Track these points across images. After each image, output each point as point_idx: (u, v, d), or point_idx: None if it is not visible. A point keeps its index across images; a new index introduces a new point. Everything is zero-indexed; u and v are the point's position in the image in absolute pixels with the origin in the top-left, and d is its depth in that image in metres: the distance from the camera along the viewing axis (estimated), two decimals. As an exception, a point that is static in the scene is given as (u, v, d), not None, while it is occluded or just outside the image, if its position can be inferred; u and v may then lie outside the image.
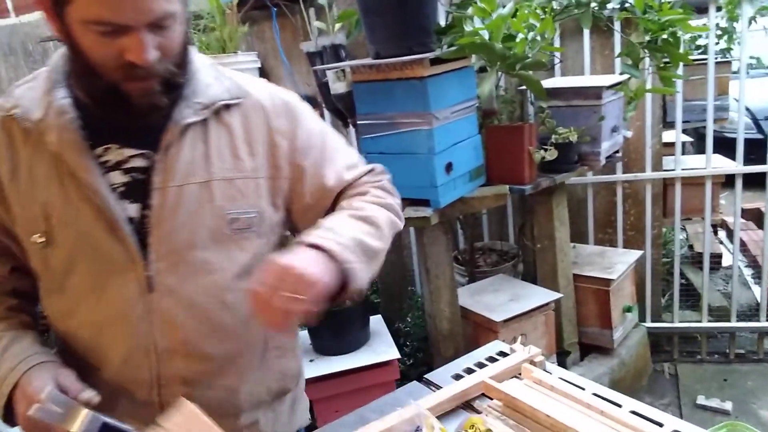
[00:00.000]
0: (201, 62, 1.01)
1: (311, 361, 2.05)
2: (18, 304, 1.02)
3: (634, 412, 0.97)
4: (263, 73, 2.83)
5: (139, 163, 0.94)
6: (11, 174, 0.93)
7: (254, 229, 1.00)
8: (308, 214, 1.06)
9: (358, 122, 1.91)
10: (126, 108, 0.89)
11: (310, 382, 1.85)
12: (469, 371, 1.18)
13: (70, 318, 0.98)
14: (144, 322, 0.95)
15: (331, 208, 1.07)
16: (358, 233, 0.96)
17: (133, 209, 0.94)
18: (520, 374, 1.12)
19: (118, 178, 0.93)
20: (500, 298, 2.25)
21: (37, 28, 3.36)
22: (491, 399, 1.06)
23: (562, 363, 2.43)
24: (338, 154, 1.10)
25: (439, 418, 1.03)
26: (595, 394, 1.03)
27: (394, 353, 2.05)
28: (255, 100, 1.02)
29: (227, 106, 0.99)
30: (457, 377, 1.16)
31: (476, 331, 2.22)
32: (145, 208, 0.94)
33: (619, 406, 0.99)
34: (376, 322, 2.28)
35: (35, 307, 1.06)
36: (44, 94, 0.92)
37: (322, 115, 2.77)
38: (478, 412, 1.04)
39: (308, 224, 1.01)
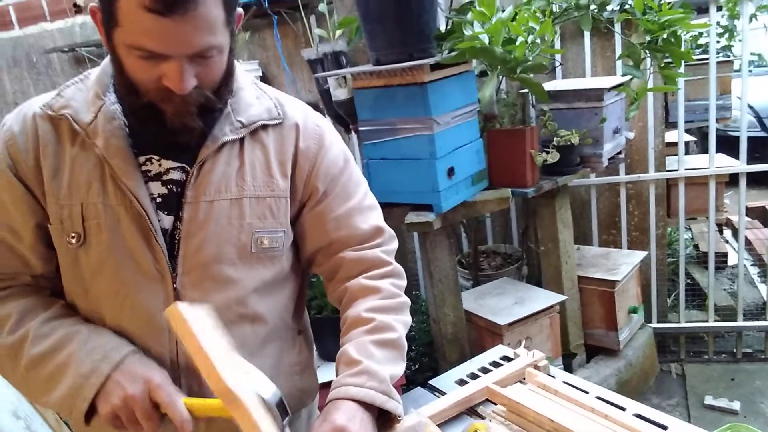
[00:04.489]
0: (244, 81, 1.02)
1: (317, 367, 2.05)
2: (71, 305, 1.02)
3: (638, 415, 0.97)
4: (265, 80, 2.84)
5: (176, 176, 0.96)
6: (54, 171, 0.93)
7: (279, 248, 1.01)
8: (307, 238, 1.07)
9: (360, 128, 1.92)
10: (160, 125, 0.90)
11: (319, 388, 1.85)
12: (473, 377, 1.18)
13: (91, 322, 0.98)
14: (166, 334, 0.95)
15: (331, 254, 1.06)
16: (391, 367, 0.98)
17: (167, 221, 0.95)
18: (524, 379, 1.12)
19: (156, 188, 0.95)
20: (505, 301, 2.25)
21: (41, 40, 3.38)
22: (495, 404, 1.06)
23: (568, 365, 2.43)
24: (354, 195, 1.08)
25: (443, 424, 1.03)
26: (599, 398, 1.03)
27: (399, 358, 2.05)
28: (291, 122, 1.03)
29: (264, 126, 1.00)
30: (461, 383, 1.17)
31: (481, 334, 2.22)
32: (177, 221, 0.95)
33: (623, 409, 0.99)
34: (381, 327, 2.28)
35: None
36: (94, 97, 0.94)
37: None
38: (482, 417, 1.04)
39: (306, 247, 1.06)
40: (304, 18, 2.39)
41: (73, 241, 0.93)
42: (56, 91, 0.97)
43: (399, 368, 1.00)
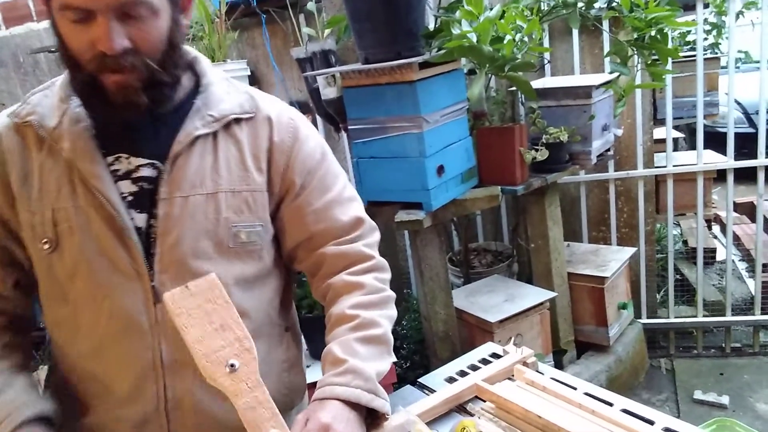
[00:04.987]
0: (215, 76, 1.02)
1: (308, 366, 2.05)
2: (12, 341, 1.00)
3: (625, 411, 0.98)
4: (255, 80, 2.84)
5: (147, 172, 0.95)
6: (22, 180, 0.93)
7: (258, 242, 1.01)
8: (287, 233, 1.06)
9: (349, 127, 1.92)
10: (104, 102, 0.88)
11: (307, 387, 1.85)
12: (463, 374, 1.18)
13: (72, 328, 0.97)
14: (149, 334, 0.94)
15: (312, 249, 1.05)
16: (377, 364, 0.97)
17: (140, 219, 0.94)
18: (513, 376, 1.13)
19: (127, 187, 0.94)
20: (495, 298, 2.26)
21: (27, 40, 3.36)
22: (484, 401, 1.07)
23: (558, 362, 2.44)
24: (332, 187, 1.08)
25: (432, 421, 1.04)
26: (587, 394, 1.03)
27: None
28: (264, 115, 1.03)
29: (237, 120, 1.00)
30: (451, 380, 1.17)
31: (472, 332, 2.23)
32: (151, 218, 0.94)
33: (611, 404, 1.00)
34: (373, 325, 2.28)
35: (30, 334, 1.05)
36: (60, 101, 0.94)
37: (314, 121, 2.79)
38: (471, 414, 1.05)
39: (286, 242, 1.05)
40: (293, 17, 2.39)
41: (46, 246, 0.93)
42: (23, 99, 0.97)
43: (385, 364, 1.00)
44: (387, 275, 1.10)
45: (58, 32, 0.85)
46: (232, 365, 0.80)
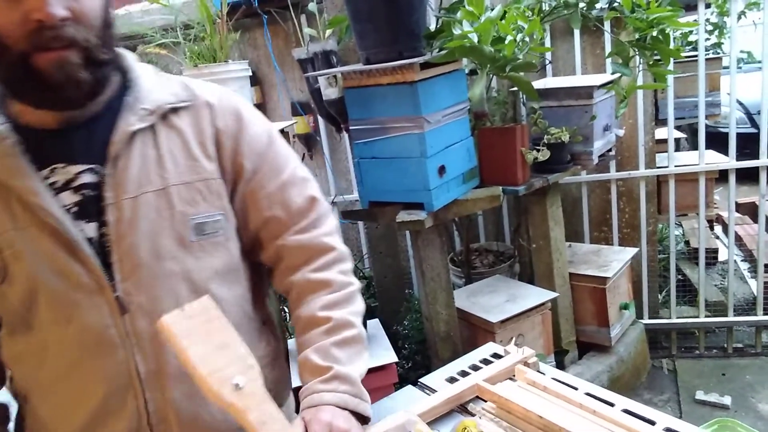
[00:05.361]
0: (143, 69, 0.97)
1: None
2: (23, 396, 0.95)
3: (626, 411, 0.98)
4: (256, 80, 2.84)
5: (88, 179, 0.89)
6: None
7: (221, 232, 0.97)
8: (243, 220, 1.02)
9: (351, 127, 1.92)
10: (41, 85, 0.81)
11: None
12: (464, 374, 1.18)
13: (38, 363, 0.91)
14: (122, 347, 0.90)
15: (271, 237, 1.03)
16: (357, 366, 0.97)
17: (90, 229, 0.89)
18: (514, 376, 1.13)
19: (69, 198, 0.88)
20: (497, 298, 2.26)
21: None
22: (485, 401, 1.06)
23: (560, 362, 2.44)
24: (284, 168, 1.04)
25: (433, 421, 1.04)
26: (587, 394, 1.03)
27: (391, 357, 2.06)
28: (202, 101, 0.98)
29: (175, 110, 0.96)
30: (452, 380, 1.17)
31: (474, 332, 2.23)
32: (102, 226, 0.89)
33: (612, 405, 1.00)
34: (374, 325, 2.29)
35: None
36: None
37: (315, 121, 2.79)
38: (472, 414, 1.05)
39: (244, 229, 1.01)
40: (295, 17, 2.39)
41: None
42: None
43: (364, 363, 0.99)
44: (350, 265, 1.08)
45: None
46: (237, 384, 0.77)
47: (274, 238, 1.02)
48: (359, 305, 1.04)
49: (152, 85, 0.96)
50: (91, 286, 0.88)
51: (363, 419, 0.95)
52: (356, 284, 1.06)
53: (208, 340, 0.79)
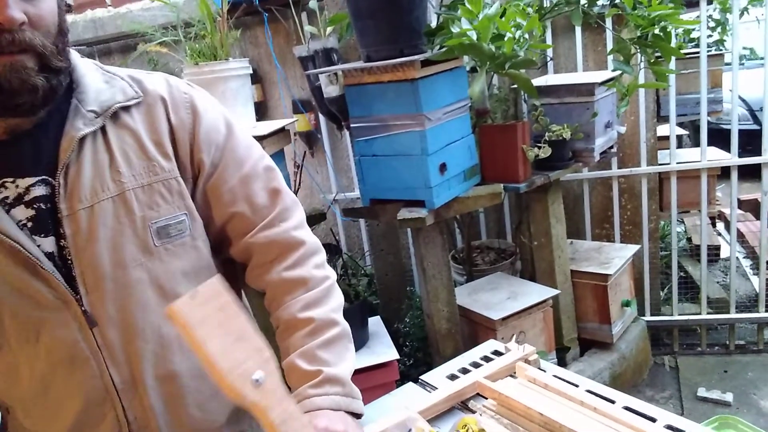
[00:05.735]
0: (86, 67, 0.91)
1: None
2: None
3: (627, 408, 0.98)
4: (257, 78, 2.84)
5: (40, 191, 0.84)
6: None
7: (187, 233, 0.93)
8: (207, 217, 0.98)
9: (352, 125, 1.92)
10: None
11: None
12: (465, 371, 1.18)
13: (12, 381, 0.89)
14: (93, 361, 0.87)
15: (238, 235, 0.99)
16: (345, 364, 0.96)
17: (48, 243, 0.84)
18: (514, 373, 1.13)
19: (22, 213, 0.83)
20: (498, 296, 2.26)
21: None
22: (486, 398, 1.07)
23: (561, 359, 2.44)
24: (246, 160, 0.99)
25: (434, 418, 1.04)
26: (588, 391, 1.03)
27: (393, 354, 2.06)
28: (154, 95, 0.93)
29: (126, 108, 0.90)
30: (453, 377, 1.17)
31: (475, 329, 2.23)
32: (60, 239, 0.85)
33: (613, 402, 1.00)
34: (375, 323, 2.29)
35: None
36: None
37: (316, 118, 2.80)
38: (473, 412, 1.05)
39: (209, 226, 0.97)
40: (295, 15, 2.39)
41: None
42: None
43: (351, 358, 0.98)
44: (322, 256, 1.04)
45: None
46: (257, 380, 0.72)
47: (242, 234, 0.99)
48: (338, 298, 1.02)
49: (98, 83, 0.90)
50: (56, 303, 0.85)
51: (356, 416, 0.95)
52: (332, 276, 1.03)
53: (224, 330, 0.73)
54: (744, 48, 4.57)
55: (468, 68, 2.05)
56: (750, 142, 2.88)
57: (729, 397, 2.50)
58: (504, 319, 2.11)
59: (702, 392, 2.55)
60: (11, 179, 0.83)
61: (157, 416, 0.91)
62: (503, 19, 1.69)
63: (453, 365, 1.23)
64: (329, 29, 2.20)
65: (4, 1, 0.74)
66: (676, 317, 2.88)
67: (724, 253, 3.59)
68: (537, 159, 2.10)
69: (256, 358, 0.74)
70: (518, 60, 1.76)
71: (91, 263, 0.85)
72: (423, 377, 1.21)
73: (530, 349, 1.17)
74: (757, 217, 3.92)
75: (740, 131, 2.65)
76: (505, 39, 1.71)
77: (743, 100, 5.07)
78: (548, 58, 2.66)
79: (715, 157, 2.82)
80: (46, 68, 0.80)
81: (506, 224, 2.94)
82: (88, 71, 0.91)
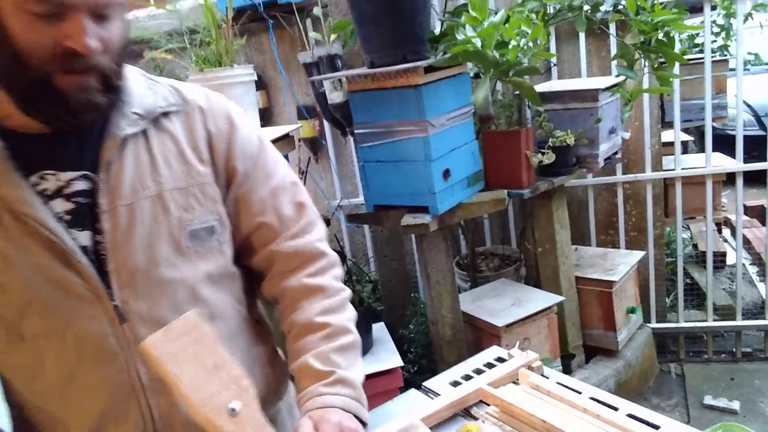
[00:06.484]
0: (132, 73, 0.95)
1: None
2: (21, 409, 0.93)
3: (630, 415, 0.97)
4: (262, 84, 2.85)
5: (81, 186, 0.86)
6: None
7: (216, 237, 0.96)
8: (235, 224, 1.01)
9: (356, 131, 1.92)
10: (60, 106, 0.80)
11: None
12: (468, 378, 1.18)
13: (37, 372, 0.89)
14: (121, 357, 0.88)
15: (262, 244, 1.02)
16: (357, 371, 0.99)
17: (84, 237, 0.86)
18: (517, 380, 1.12)
19: (61, 206, 0.85)
20: (502, 302, 2.25)
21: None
22: (488, 405, 1.06)
23: (566, 366, 2.43)
24: (275, 173, 1.04)
25: (437, 425, 1.04)
26: (591, 398, 1.03)
27: (397, 361, 2.06)
28: (193, 105, 0.98)
29: (166, 114, 0.94)
30: (455, 384, 1.17)
31: (479, 336, 2.22)
32: (97, 234, 0.87)
33: (616, 409, 0.99)
34: (379, 329, 2.28)
35: None
36: None
37: (321, 125, 2.80)
38: (475, 418, 1.04)
39: (235, 233, 1.00)
40: (300, 22, 2.40)
41: None
42: None
43: (361, 369, 1.01)
44: (341, 271, 1.08)
45: (1, 27, 0.76)
46: (232, 409, 0.73)
47: (266, 243, 1.02)
48: (352, 312, 1.05)
49: (142, 89, 0.94)
50: (88, 296, 0.86)
51: (362, 424, 0.95)
52: (348, 291, 1.07)
53: (199, 362, 0.74)
54: (749, 53, 4.55)
55: (471, 74, 2.05)
56: (755, 147, 2.86)
57: (736, 405, 2.48)
58: (508, 325, 2.10)
59: (708, 400, 2.54)
60: (52, 172, 0.85)
61: (182, 415, 0.91)
62: (507, 26, 1.69)
63: (456, 372, 1.23)
64: (333, 36, 2.21)
65: (84, 30, 0.77)
66: (682, 324, 2.86)
67: (730, 259, 3.57)
68: (541, 165, 2.10)
69: (233, 389, 0.74)
70: (522, 67, 1.76)
71: (125, 259, 0.87)
72: (426, 384, 1.21)
73: (533, 355, 1.16)
74: (763, 223, 3.91)
75: (745, 137, 2.64)
76: (510, 46, 1.71)
77: (748, 106, 5.06)
78: (552, 64, 2.66)
79: (721, 162, 2.81)
80: (109, 87, 0.84)
81: (510, 230, 2.93)
82: (133, 76, 0.94)
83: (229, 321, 1.00)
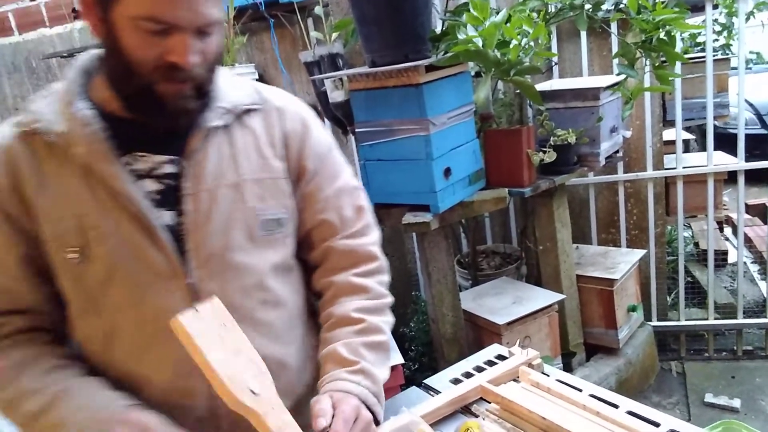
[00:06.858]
0: (219, 71, 1.03)
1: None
2: (69, 352, 0.98)
3: (630, 413, 0.98)
4: (263, 83, 2.86)
5: (169, 169, 0.95)
6: (38, 189, 0.90)
7: (284, 228, 1.03)
8: (299, 219, 1.08)
9: (357, 130, 1.93)
10: (158, 110, 0.89)
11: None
12: (468, 375, 1.19)
13: (110, 339, 0.95)
14: None
15: (320, 239, 1.08)
16: (382, 370, 1.01)
17: (168, 217, 0.94)
18: (518, 377, 1.13)
19: (150, 185, 0.93)
20: (503, 300, 2.26)
21: (40, 45, 3.40)
22: (489, 403, 1.07)
23: (567, 364, 2.43)
24: (340, 175, 1.12)
25: (437, 422, 1.04)
26: (592, 396, 1.03)
27: (398, 358, 2.06)
28: (271, 105, 1.05)
29: (248, 111, 1.02)
30: (456, 382, 1.17)
31: (480, 334, 2.23)
32: (179, 215, 0.94)
33: (616, 406, 1.00)
34: (381, 327, 2.28)
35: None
36: (64, 107, 0.91)
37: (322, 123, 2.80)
38: (476, 416, 1.05)
39: (298, 227, 1.07)
40: (301, 21, 2.41)
41: (73, 256, 0.90)
42: (23, 109, 0.94)
43: (387, 370, 1.03)
44: (387, 278, 1.13)
45: (114, 40, 0.85)
46: (252, 390, 0.77)
47: (325, 239, 1.08)
48: (390, 317, 1.10)
49: (229, 86, 1.01)
50: (166, 272, 0.92)
51: (375, 422, 0.97)
52: (390, 299, 1.11)
53: (224, 343, 0.77)
54: (750, 52, 4.55)
55: (473, 73, 2.05)
56: (757, 146, 2.88)
57: (736, 403, 2.48)
58: (509, 323, 2.10)
59: (709, 398, 2.54)
60: (145, 154, 0.94)
61: None
62: (509, 25, 1.69)
63: (457, 369, 1.24)
64: (334, 35, 2.21)
65: (188, 48, 0.85)
66: (683, 322, 2.87)
67: (732, 258, 3.57)
68: (542, 163, 2.10)
69: (253, 371, 0.79)
70: (523, 67, 1.76)
71: (203, 241, 0.94)
72: (426, 381, 1.22)
73: (534, 353, 1.17)
74: (765, 221, 3.91)
75: (747, 135, 2.63)
76: (511, 46, 1.71)
77: (750, 104, 5.05)
78: (553, 63, 2.66)
79: (722, 161, 2.81)
80: (201, 93, 0.92)
81: (511, 229, 2.93)
82: (222, 74, 1.01)
83: (290, 310, 1.05)
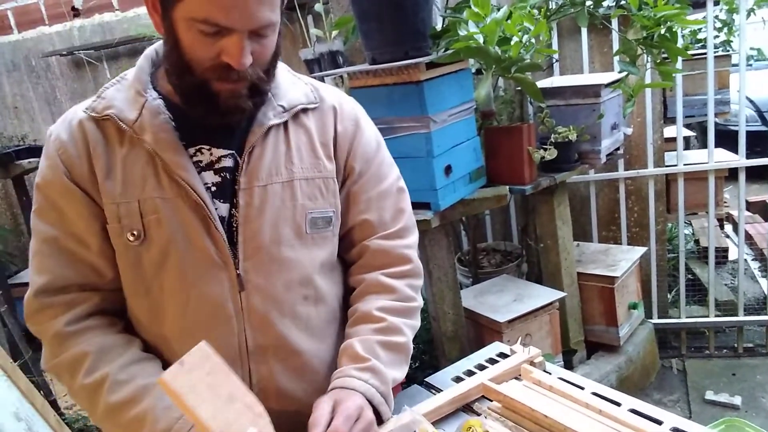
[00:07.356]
0: (280, 68, 1.04)
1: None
2: (146, 346, 1.01)
3: (633, 411, 0.97)
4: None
5: (228, 163, 0.98)
6: (107, 172, 0.94)
7: (331, 227, 1.05)
8: (344, 216, 1.09)
9: (357, 128, 1.92)
10: (212, 106, 0.91)
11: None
12: (470, 373, 1.18)
13: (158, 321, 0.98)
14: (235, 320, 0.97)
15: (359, 238, 1.10)
16: (394, 371, 1.01)
17: (223, 209, 0.97)
18: (520, 375, 1.13)
19: (210, 178, 0.97)
20: (504, 298, 2.26)
21: (39, 44, 3.39)
22: (491, 401, 1.06)
23: (568, 362, 2.43)
24: (386, 177, 1.12)
25: (439, 421, 1.04)
26: (594, 393, 1.03)
27: (399, 356, 2.06)
28: (327, 104, 1.07)
29: (305, 110, 1.04)
30: (458, 380, 1.17)
31: (481, 332, 2.23)
32: (233, 208, 0.97)
33: (618, 404, 0.99)
34: (381, 325, 2.28)
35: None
36: (136, 95, 0.95)
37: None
38: (477, 414, 1.05)
39: (343, 225, 1.08)
40: (301, 18, 2.40)
41: (133, 238, 0.94)
42: (96, 94, 0.98)
43: (401, 372, 1.03)
44: (420, 282, 1.14)
45: (175, 37, 0.88)
46: None
47: (363, 238, 1.10)
48: (415, 321, 1.10)
49: (288, 84, 1.04)
50: (217, 262, 0.96)
51: (379, 421, 0.97)
52: (419, 303, 1.11)
53: (215, 392, 0.76)
54: (751, 49, 4.54)
55: (473, 70, 2.05)
56: (758, 143, 2.87)
57: (737, 400, 2.48)
58: (510, 321, 2.10)
59: (710, 395, 2.54)
60: (207, 147, 0.97)
61: (277, 384, 1.01)
62: (510, 22, 1.69)
63: (458, 368, 1.23)
64: (335, 32, 2.21)
65: (242, 50, 0.86)
66: (684, 320, 2.87)
67: (732, 255, 3.57)
68: (543, 161, 2.10)
69: (248, 416, 0.78)
70: (524, 64, 1.75)
71: (253, 234, 0.97)
72: (428, 379, 1.21)
73: (535, 351, 1.16)
74: (766, 218, 3.90)
75: (748, 132, 2.63)
76: (512, 43, 1.71)
77: (751, 101, 5.05)
78: (554, 60, 2.65)
79: (723, 158, 2.81)
80: (255, 93, 0.93)
81: (512, 226, 2.93)
82: (281, 72, 1.04)
83: (330, 307, 1.07)
